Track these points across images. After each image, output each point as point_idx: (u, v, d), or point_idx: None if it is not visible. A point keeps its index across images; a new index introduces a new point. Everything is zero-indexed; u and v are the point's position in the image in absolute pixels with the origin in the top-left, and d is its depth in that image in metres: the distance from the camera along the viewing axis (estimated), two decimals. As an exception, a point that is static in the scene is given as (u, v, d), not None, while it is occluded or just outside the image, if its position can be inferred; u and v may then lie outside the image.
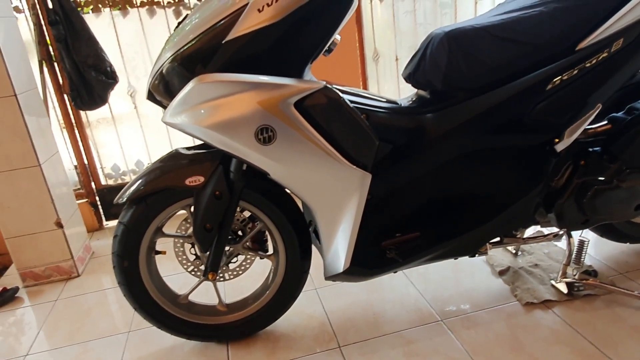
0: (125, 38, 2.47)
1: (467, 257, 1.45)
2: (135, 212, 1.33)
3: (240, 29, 1.09)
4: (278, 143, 1.14)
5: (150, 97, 1.29)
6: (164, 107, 1.25)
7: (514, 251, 1.83)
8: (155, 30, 2.47)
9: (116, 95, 2.44)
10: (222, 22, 1.10)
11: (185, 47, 1.15)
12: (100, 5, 2.39)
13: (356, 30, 2.64)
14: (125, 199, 1.30)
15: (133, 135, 2.64)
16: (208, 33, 1.12)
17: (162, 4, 2.44)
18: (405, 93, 2.72)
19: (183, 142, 2.58)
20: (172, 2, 2.44)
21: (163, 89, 1.23)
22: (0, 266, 2.34)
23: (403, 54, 2.78)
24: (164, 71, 1.20)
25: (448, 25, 1.31)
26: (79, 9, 2.26)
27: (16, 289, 2.01)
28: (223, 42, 1.11)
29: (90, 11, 2.40)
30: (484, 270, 1.76)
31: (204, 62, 1.13)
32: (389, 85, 2.85)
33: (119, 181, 2.68)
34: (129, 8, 2.42)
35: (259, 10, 1.08)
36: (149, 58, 2.51)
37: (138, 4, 2.42)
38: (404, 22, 2.75)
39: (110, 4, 2.39)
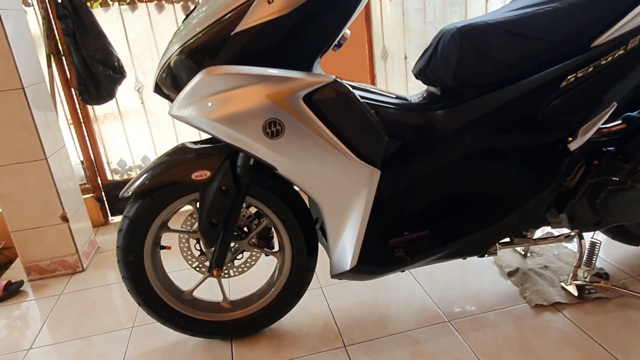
0: (133, 33, 2.46)
1: (475, 257, 1.43)
2: (140, 206, 1.32)
3: (249, 21, 1.07)
4: (286, 137, 1.12)
5: (158, 90, 1.28)
6: (171, 101, 1.24)
7: (522, 252, 1.81)
8: (163, 25, 2.47)
9: (123, 90, 2.44)
10: (231, 13, 1.09)
11: (193, 39, 1.13)
12: (109, 0, 2.39)
13: (365, 28, 2.62)
14: (130, 192, 1.29)
15: (140, 131, 2.63)
16: (216, 25, 1.10)
17: (170, -1, 2.43)
18: (413, 92, 2.70)
19: (190, 138, 2.58)
20: (181, -3, 2.44)
21: (170, 82, 1.22)
22: (5, 259, 2.34)
23: (412, 52, 2.76)
24: (171, 64, 1.18)
25: (460, 21, 1.29)
26: (87, 3, 2.25)
27: (21, 283, 2.00)
28: (232, 34, 1.09)
29: (99, 5, 2.39)
30: (491, 271, 1.74)
31: (212, 54, 1.12)
32: (397, 84, 2.82)
33: (125, 176, 2.68)
34: (138, 3, 2.41)
35: (269, 2, 1.06)
36: (157, 53, 2.50)
37: (147, -1, 2.41)
38: (413, 19, 2.73)
39: (119, -2, 2.39)
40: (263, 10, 1.07)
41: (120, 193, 1.32)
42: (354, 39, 2.50)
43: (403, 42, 2.75)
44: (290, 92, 1.10)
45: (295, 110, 1.11)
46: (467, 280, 1.70)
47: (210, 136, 1.29)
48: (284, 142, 1.13)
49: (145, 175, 1.29)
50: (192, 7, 2.45)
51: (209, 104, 1.11)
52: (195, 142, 1.36)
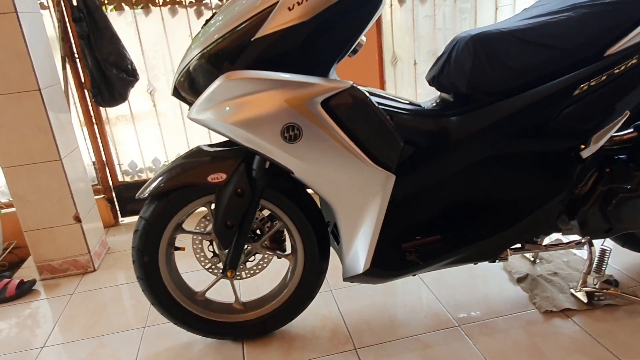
0: (146, 37, 2.49)
1: (486, 262, 1.44)
2: (156, 208, 1.34)
3: (269, 27, 1.09)
4: (304, 141, 1.14)
5: (176, 93, 1.30)
6: (189, 104, 1.26)
7: (531, 258, 1.81)
8: (176, 29, 2.49)
9: (136, 93, 2.46)
10: (251, 19, 1.11)
11: (213, 45, 1.15)
12: (123, 4, 2.42)
13: (375, 34, 2.64)
14: (147, 194, 1.31)
15: (151, 133, 2.66)
16: (237, 30, 1.13)
17: (183, 3, 2.46)
18: (422, 98, 2.72)
19: (200, 140, 2.61)
20: (194, 1, 2.47)
21: (189, 86, 1.24)
22: (17, 259, 2.36)
23: (421, 58, 2.78)
24: (190, 68, 1.21)
25: (474, 29, 1.31)
26: (102, 7, 2.28)
27: (33, 282, 2.02)
28: (252, 39, 1.11)
29: (113, 9, 2.42)
30: (500, 277, 1.75)
31: (231, 59, 1.14)
32: (406, 90, 2.84)
33: (136, 178, 2.70)
34: (151, 7, 2.44)
35: (289, 9, 1.08)
36: (170, 57, 2.53)
37: (160, 3, 2.44)
38: (423, 26, 2.75)
39: (133, 2, 2.42)
40: (283, 16, 1.09)
41: (137, 194, 1.34)
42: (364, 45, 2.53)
43: (412, 48, 2.77)
44: (309, 98, 1.11)
45: (313, 115, 1.13)
46: (476, 285, 1.71)
47: (225, 139, 1.32)
48: (301, 146, 1.15)
49: (162, 177, 1.31)
50: (205, 11, 2.48)
51: (228, 108, 1.13)
52: (211, 145, 1.38)
